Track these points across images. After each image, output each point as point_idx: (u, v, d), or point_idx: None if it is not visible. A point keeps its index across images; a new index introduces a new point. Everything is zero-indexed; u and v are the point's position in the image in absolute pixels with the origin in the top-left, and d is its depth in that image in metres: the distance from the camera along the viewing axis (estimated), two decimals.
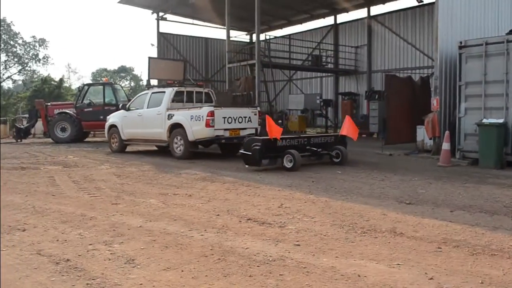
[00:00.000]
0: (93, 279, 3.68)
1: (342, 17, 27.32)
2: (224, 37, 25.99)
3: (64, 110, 20.74)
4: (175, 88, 13.76)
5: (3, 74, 65.81)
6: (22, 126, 22.13)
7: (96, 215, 5.89)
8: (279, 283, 3.62)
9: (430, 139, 13.10)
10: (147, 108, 13.89)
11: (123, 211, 6.17)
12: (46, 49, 68.02)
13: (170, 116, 13.01)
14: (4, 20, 63.94)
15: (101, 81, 29.17)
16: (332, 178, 9.12)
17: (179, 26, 30.80)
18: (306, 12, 28.10)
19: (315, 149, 11.32)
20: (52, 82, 49.47)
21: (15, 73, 66.43)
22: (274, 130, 10.44)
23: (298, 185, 8.29)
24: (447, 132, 11.71)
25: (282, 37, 28.89)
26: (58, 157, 13.70)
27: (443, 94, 12.94)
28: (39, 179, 9.25)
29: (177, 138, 12.81)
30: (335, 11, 26.81)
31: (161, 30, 28.29)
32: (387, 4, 24.59)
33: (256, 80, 20.27)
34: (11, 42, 65.04)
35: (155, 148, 14.81)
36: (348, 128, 11.44)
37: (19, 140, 20.92)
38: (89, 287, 3.54)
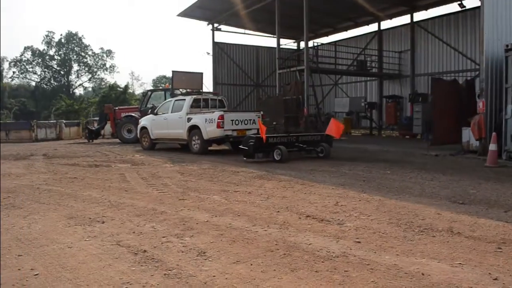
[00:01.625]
0: (169, 270, 3.67)
1: (385, 24, 26.66)
2: (273, 44, 25.96)
3: (130, 114, 21.33)
4: (193, 96, 15.46)
5: (76, 82, 68.62)
6: (93, 128, 22.91)
7: (166, 210, 5.93)
8: (345, 279, 3.48)
9: (477, 140, 12.51)
10: (171, 112, 15.51)
11: (190, 206, 6.18)
12: (113, 59, 70.72)
13: (189, 120, 14.65)
14: (76, 34, 66.66)
15: (162, 87, 29.79)
16: (382, 177, 8.84)
17: (232, 35, 31.04)
18: (350, 19, 27.58)
19: (302, 145, 12.60)
20: (118, 89, 51.03)
21: (85, 81, 69.37)
22: (262, 131, 11.84)
23: (351, 184, 8.08)
24: (494, 134, 11.13)
25: (329, 43, 28.49)
26: (126, 156, 14.06)
27: (489, 97, 12.33)
28: (111, 175, 9.49)
29: (194, 137, 14.44)
30: (378, 18, 26.15)
31: (215, 40, 28.59)
32: (430, 10, 23.75)
33: (305, 84, 20.08)
34: (82, 54, 67.74)
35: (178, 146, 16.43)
36: (332, 128, 12.30)
37: (90, 141, 21.70)
38: (167, 277, 3.52)
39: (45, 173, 9.99)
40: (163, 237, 4.64)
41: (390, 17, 25.53)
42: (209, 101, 15.89)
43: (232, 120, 13.91)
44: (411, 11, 24.11)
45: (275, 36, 24.63)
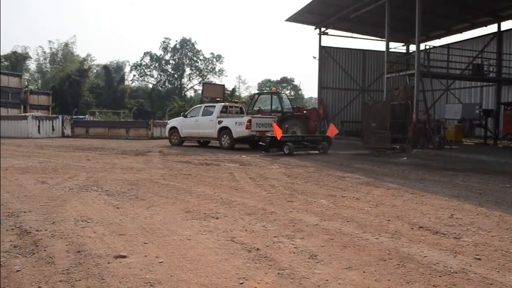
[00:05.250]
0: (282, 270, 3.72)
1: (506, 24, 24.50)
2: (380, 48, 25.18)
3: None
4: (222, 104, 18.94)
5: (187, 85, 72.70)
6: None
7: (275, 210, 6.03)
8: None
9: None
10: (201, 116, 18.72)
11: (298, 208, 6.22)
12: (222, 63, 73.52)
13: (219, 122, 17.96)
14: (190, 40, 70.61)
15: (269, 91, 30.42)
16: (501, 191, 8.12)
17: (339, 39, 30.77)
18: (466, 21, 25.81)
19: (306, 143, 16.35)
20: (226, 92, 53.00)
21: (196, 84, 73.02)
22: (277, 132, 15.40)
23: (465, 196, 7.54)
24: None
25: (441, 46, 26.91)
26: (234, 156, 14.55)
27: None
28: (221, 174, 9.89)
29: (224, 136, 17.81)
30: (498, 19, 24.11)
31: (322, 44, 28.48)
32: None
33: (415, 89, 19.15)
34: (194, 58, 71.54)
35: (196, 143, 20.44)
36: (330, 131, 16.86)
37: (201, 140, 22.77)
38: (280, 276, 3.58)
39: (162, 169, 10.72)
40: (274, 237, 4.73)
41: None
42: (233, 108, 19.28)
43: (257, 123, 17.42)
44: None
45: (383, 39, 23.86)
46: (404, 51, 30.01)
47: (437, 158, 15.20)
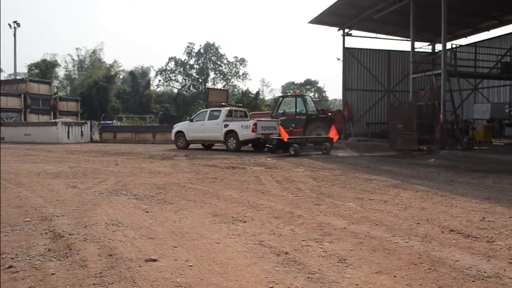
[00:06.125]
0: (312, 274, 3.70)
1: None
2: (405, 48, 24.82)
3: (261, 119, 22.04)
4: (228, 108, 19.75)
5: None
6: None
7: (303, 214, 6.01)
8: None
9: None
10: (208, 120, 19.53)
11: (326, 212, 6.18)
12: (245, 67, 74.02)
13: (226, 125, 18.81)
14: (213, 45, 71.19)
15: (293, 93, 30.38)
16: None
17: (362, 40, 30.50)
18: (494, 18, 25.20)
19: (310, 144, 17.11)
20: (250, 95, 53.21)
21: (220, 88, 73.49)
22: (284, 134, 16.32)
23: (497, 198, 7.35)
24: None
25: (467, 45, 26.36)
26: (259, 159, 14.57)
27: None
28: (247, 177, 9.92)
29: (230, 139, 18.67)
30: None
31: (346, 45, 28.27)
32: None
33: (442, 89, 18.79)
34: (218, 62, 72.08)
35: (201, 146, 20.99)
36: (331, 133, 17.45)
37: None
38: (310, 280, 3.56)
39: (188, 173, 10.82)
40: (303, 240, 4.71)
41: None
42: (237, 112, 20.09)
43: (262, 126, 18.31)
44: None
45: (408, 39, 23.56)
46: (430, 50, 29.48)
47: (466, 159, 14.87)
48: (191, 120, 20.51)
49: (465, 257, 4.20)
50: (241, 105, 24.54)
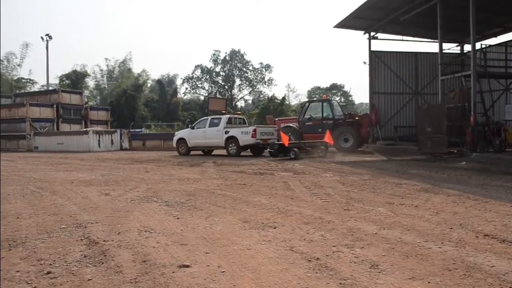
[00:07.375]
0: (344, 280, 3.67)
1: None
2: (433, 50, 24.38)
3: (288, 124, 22.07)
4: (228, 116, 21.24)
5: (238, 95, 73.71)
6: None
7: (333, 219, 5.97)
8: None
9: None
10: (208, 127, 20.76)
11: (356, 217, 6.12)
12: (271, 73, 74.03)
13: (226, 132, 20.07)
14: (239, 51, 71.59)
15: (319, 98, 30.26)
16: None
17: (389, 43, 30.12)
18: None
19: (308, 148, 18.26)
20: (276, 100, 53.27)
21: (246, 94, 73.95)
22: (284, 139, 17.30)
23: None
24: None
25: (498, 45, 25.70)
26: (287, 164, 14.55)
27: None
28: (275, 183, 9.92)
29: (231, 145, 19.90)
30: None
31: (372, 49, 28.00)
32: None
33: (472, 91, 18.36)
34: (244, 69, 72.43)
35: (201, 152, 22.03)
36: (327, 137, 18.02)
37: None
38: (342, 286, 3.53)
39: (217, 179, 10.90)
40: (333, 246, 4.68)
41: None
42: (237, 119, 21.56)
43: (261, 132, 19.57)
44: None
45: (435, 40, 23.14)
46: (459, 51, 28.87)
47: (499, 162, 14.50)
48: (192, 128, 21.78)
49: (501, 262, 4.09)
50: (239, 112, 26.38)
